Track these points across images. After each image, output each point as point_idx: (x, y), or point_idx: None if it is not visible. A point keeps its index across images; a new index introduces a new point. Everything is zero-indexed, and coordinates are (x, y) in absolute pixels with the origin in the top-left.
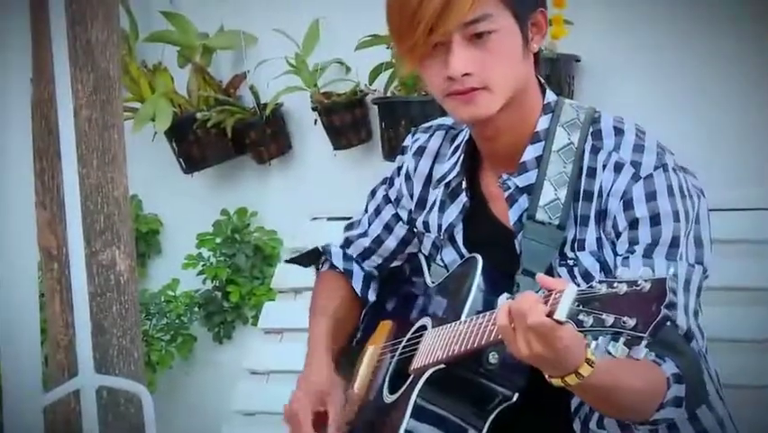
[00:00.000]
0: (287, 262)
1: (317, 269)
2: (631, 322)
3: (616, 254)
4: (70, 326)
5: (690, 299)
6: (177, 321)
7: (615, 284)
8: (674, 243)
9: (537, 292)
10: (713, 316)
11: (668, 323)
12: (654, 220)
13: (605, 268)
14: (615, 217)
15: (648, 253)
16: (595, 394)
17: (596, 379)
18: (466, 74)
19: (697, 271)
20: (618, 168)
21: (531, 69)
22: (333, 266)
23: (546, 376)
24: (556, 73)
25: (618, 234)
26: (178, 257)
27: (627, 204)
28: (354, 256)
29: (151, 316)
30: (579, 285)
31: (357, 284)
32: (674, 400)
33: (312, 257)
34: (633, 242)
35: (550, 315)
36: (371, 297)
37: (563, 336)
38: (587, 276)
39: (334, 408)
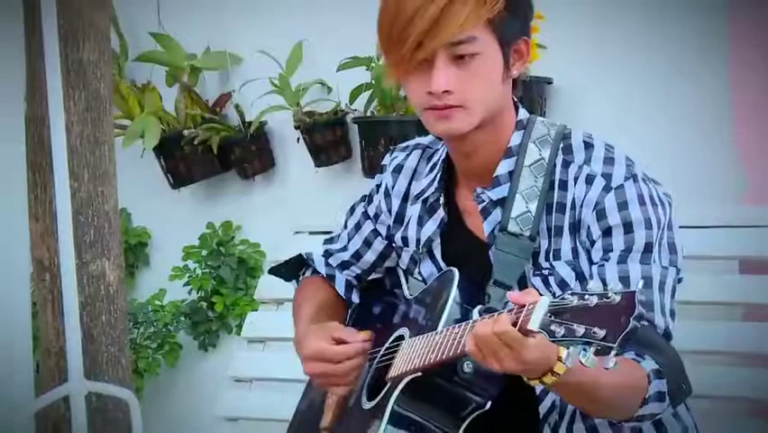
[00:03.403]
0: (269, 271)
1: (298, 279)
2: (601, 333)
3: (591, 262)
4: (61, 334)
5: (665, 299)
6: (163, 330)
7: (586, 296)
8: (648, 248)
9: (507, 305)
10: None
11: (643, 324)
12: (627, 228)
13: (580, 277)
14: (589, 227)
15: (623, 260)
16: (576, 393)
17: (575, 377)
18: (446, 91)
19: (671, 272)
20: (590, 180)
21: (509, 91)
22: (315, 272)
23: (525, 379)
24: (529, 94)
25: (593, 243)
26: (165, 268)
27: (600, 214)
28: (334, 266)
29: (139, 324)
30: (554, 293)
31: (340, 287)
32: (657, 394)
33: (294, 266)
34: (607, 249)
35: (523, 325)
36: (355, 299)
37: (531, 345)
38: (562, 285)
39: (344, 331)
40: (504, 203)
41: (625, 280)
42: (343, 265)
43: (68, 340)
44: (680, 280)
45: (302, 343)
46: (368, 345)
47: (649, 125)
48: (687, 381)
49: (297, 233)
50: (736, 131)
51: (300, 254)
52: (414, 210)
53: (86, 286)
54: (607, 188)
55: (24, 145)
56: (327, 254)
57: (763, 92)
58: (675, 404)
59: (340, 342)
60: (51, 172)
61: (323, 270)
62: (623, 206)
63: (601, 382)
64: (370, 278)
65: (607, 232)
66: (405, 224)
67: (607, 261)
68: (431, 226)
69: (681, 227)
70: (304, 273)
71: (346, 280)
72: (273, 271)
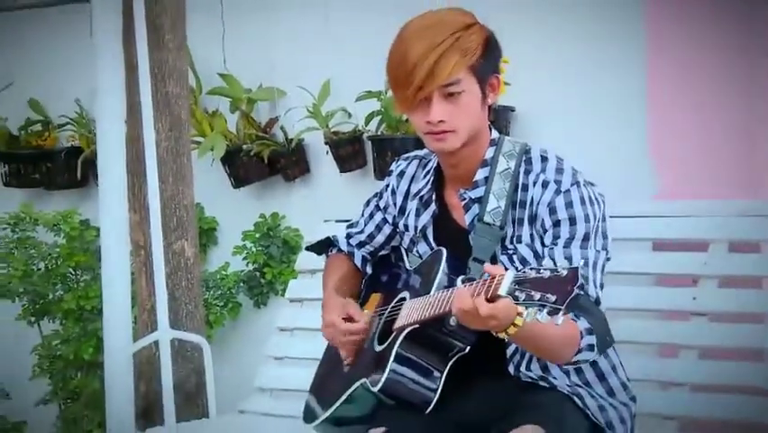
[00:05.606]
0: (306, 248)
1: (327, 255)
2: (552, 298)
3: (543, 245)
4: (152, 295)
5: (597, 275)
6: (228, 292)
7: (541, 270)
8: (586, 237)
9: (483, 275)
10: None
11: (581, 293)
12: (572, 222)
13: (536, 256)
14: (543, 220)
15: (567, 245)
16: (529, 342)
17: (528, 331)
18: (441, 121)
19: (601, 255)
20: (545, 185)
21: (485, 116)
22: (339, 250)
23: (494, 333)
24: (497, 120)
25: (545, 231)
26: (228, 247)
27: (552, 210)
28: (354, 245)
29: (210, 288)
30: (517, 268)
31: (358, 261)
32: (588, 346)
33: (324, 245)
34: (556, 236)
35: (494, 291)
36: (368, 270)
37: (497, 306)
38: (523, 261)
39: (355, 310)
40: (481, 201)
41: (569, 259)
42: (360, 244)
43: (157, 300)
44: (608, 260)
45: (325, 308)
46: (366, 326)
47: (583, 139)
48: (611, 334)
49: (326, 221)
50: (648, 139)
51: (328, 237)
52: (413, 205)
53: (171, 260)
54: (557, 192)
55: (124, 157)
56: (348, 236)
57: (673, 101)
58: (602, 351)
59: (349, 319)
60: (145, 176)
61: (345, 248)
62: (569, 205)
63: (546, 335)
64: (380, 254)
65: (556, 223)
66: (406, 215)
67: (555, 245)
68: (425, 217)
69: (610, 216)
70: (331, 250)
71: (362, 255)
72: (309, 248)
